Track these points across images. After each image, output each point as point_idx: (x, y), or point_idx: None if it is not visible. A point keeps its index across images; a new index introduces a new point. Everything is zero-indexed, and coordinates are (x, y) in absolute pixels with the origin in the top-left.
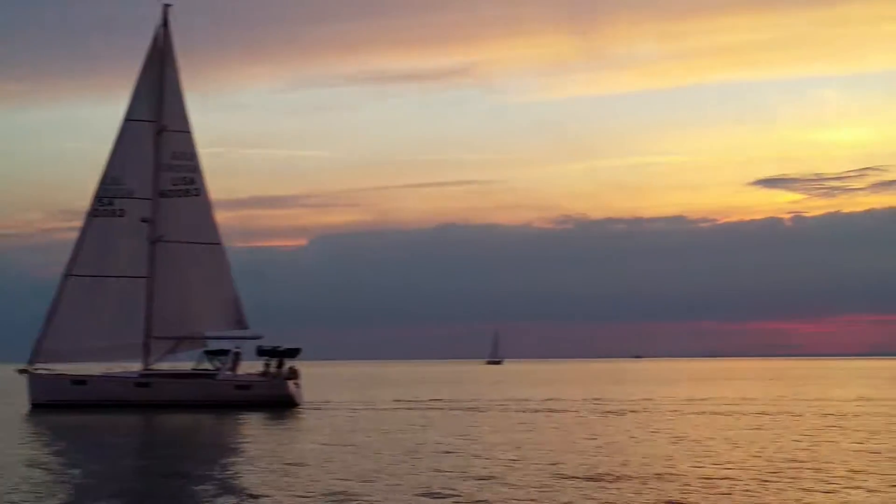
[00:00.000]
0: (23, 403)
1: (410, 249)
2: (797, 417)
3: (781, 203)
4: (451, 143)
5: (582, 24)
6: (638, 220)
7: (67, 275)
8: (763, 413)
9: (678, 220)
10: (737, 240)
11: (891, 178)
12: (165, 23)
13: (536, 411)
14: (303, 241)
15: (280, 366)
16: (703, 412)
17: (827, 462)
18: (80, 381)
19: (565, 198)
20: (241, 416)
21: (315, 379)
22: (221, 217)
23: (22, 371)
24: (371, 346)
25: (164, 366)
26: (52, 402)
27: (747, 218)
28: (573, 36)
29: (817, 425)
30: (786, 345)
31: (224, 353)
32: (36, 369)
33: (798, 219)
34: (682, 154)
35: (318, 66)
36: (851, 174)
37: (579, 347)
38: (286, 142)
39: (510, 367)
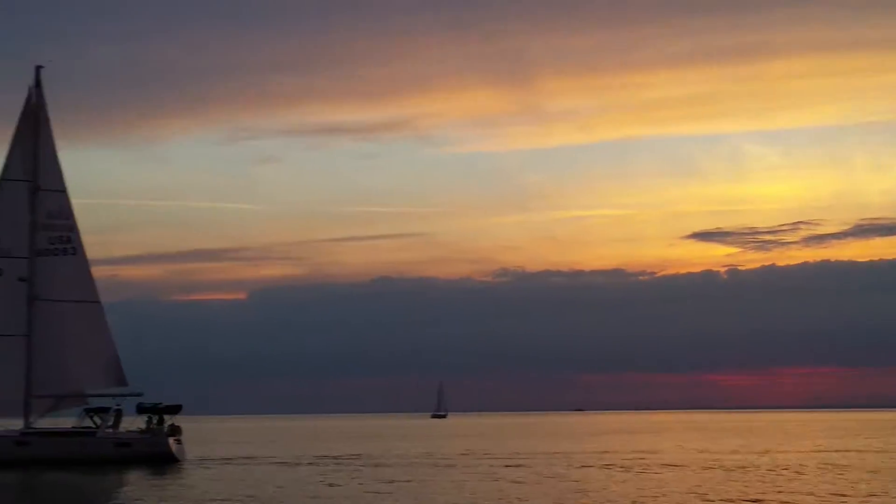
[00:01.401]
0: None
1: (347, 303)
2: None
3: (717, 256)
4: (387, 196)
5: (518, 79)
6: (577, 273)
7: None
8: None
9: (617, 272)
10: (674, 292)
11: (822, 232)
12: (38, 83)
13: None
14: (242, 295)
15: (161, 422)
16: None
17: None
18: None
19: (502, 251)
20: (120, 474)
21: (229, 433)
22: (156, 270)
23: None
24: (313, 399)
25: (47, 423)
26: None
27: (684, 271)
28: (509, 89)
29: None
30: (723, 397)
31: (105, 410)
32: None
33: (733, 272)
34: (617, 207)
35: (253, 118)
36: (784, 228)
37: (523, 400)
38: (221, 194)
39: (453, 420)
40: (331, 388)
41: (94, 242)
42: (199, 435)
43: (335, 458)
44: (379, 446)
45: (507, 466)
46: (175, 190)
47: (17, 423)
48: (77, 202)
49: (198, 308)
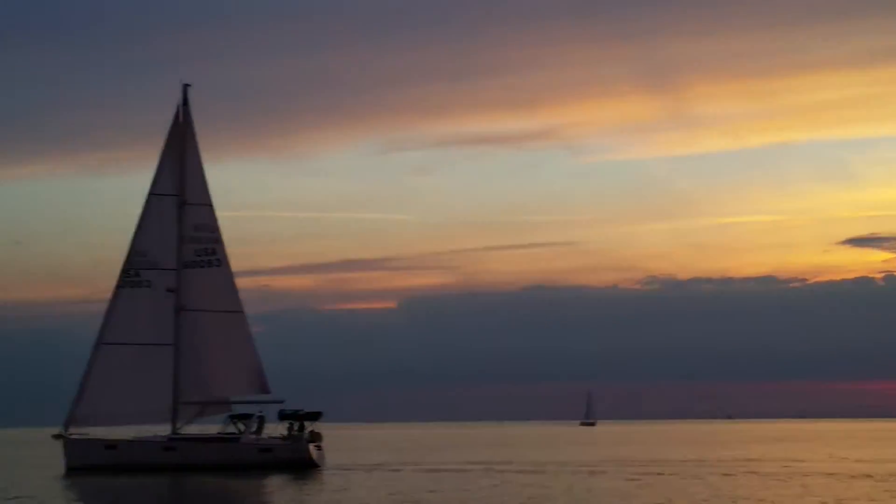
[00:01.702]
0: (59, 467)
1: (497, 311)
2: None
3: (873, 262)
4: (537, 205)
5: (665, 84)
6: (727, 281)
7: (99, 343)
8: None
9: (768, 279)
10: (828, 299)
11: None
12: (185, 101)
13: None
14: (392, 304)
15: (302, 429)
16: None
17: None
18: (111, 445)
19: (651, 258)
20: (263, 479)
21: (377, 440)
22: (309, 280)
23: (57, 436)
24: (461, 406)
25: (193, 429)
26: (86, 466)
27: (838, 277)
28: (656, 96)
29: None
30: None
31: (248, 416)
32: (70, 434)
33: (890, 278)
34: (768, 213)
35: (404, 130)
36: None
37: (672, 408)
38: (374, 205)
39: (603, 428)
40: (479, 396)
41: (248, 254)
42: (348, 442)
43: (484, 463)
44: (536, 454)
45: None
46: (328, 201)
47: (164, 430)
48: (232, 214)
49: (349, 317)
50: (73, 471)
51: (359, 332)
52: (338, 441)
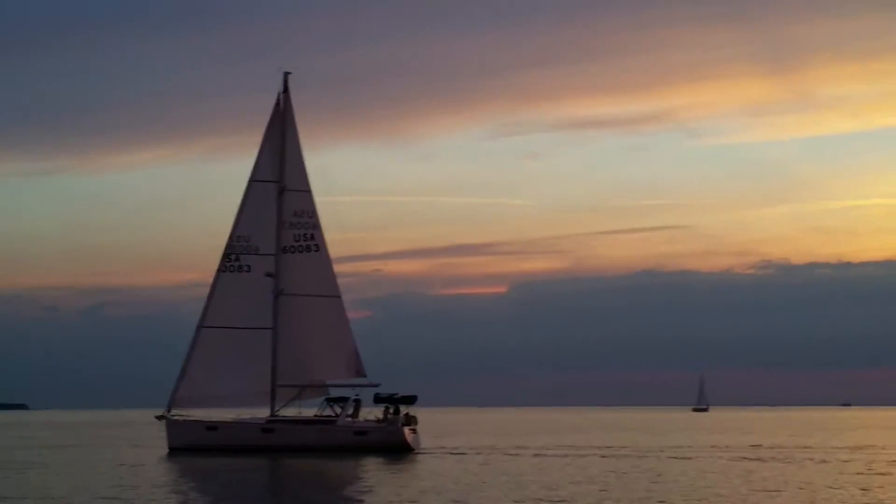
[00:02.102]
0: (162, 447)
1: (608, 296)
2: None
3: None
4: (651, 189)
5: (783, 66)
6: (845, 265)
7: (200, 327)
8: None
9: (889, 264)
10: None
11: None
12: (286, 88)
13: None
14: (502, 289)
15: (397, 412)
16: None
17: None
18: (212, 426)
19: (766, 242)
20: (357, 461)
21: (483, 424)
22: (420, 264)
23: (160, 417)
24: (571, 391)
25: (290, 412)
26: (188, 446)
27: None
28: (774, 78)
29: None
30: None
31: (344, 399)
32: (172, 415)
33: None
34: (891, 196)
35: (518, 114)
36: None
37: (785, 394)
38: (486, 190)
39: (714, 414)
40: (589, 381)
41: (360, 238)
42: (457, 426)
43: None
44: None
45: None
46: (440, 186)
47: (263, 412)
48: (345, 199)
49: (459, 302)
50: (174, 451)
51: (469, 316)
52: (447, 425)
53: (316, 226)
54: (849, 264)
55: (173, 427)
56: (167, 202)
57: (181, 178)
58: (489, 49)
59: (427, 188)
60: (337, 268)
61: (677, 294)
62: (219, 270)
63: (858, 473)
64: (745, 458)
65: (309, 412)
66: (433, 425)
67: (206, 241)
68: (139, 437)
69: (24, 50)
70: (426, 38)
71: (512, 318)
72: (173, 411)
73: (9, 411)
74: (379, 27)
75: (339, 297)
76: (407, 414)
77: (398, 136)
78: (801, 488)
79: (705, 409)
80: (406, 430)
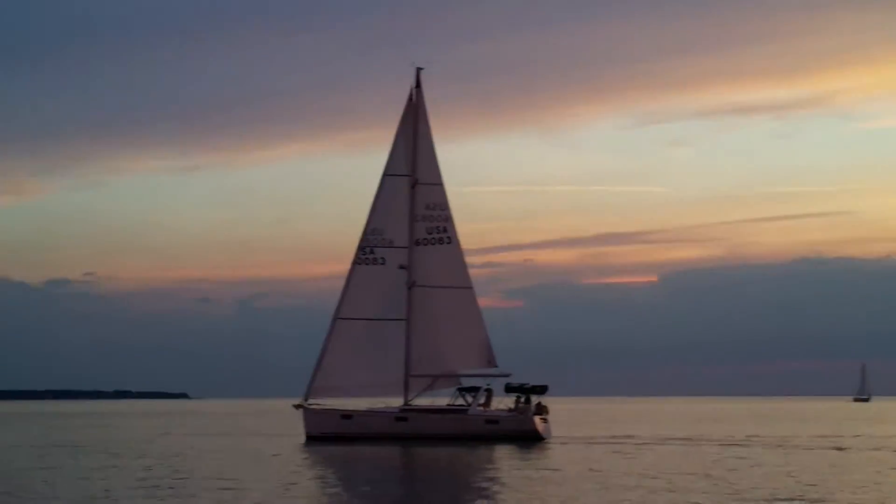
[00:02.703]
0: (299, 435)
1: (763, 285)
2: None
3: None
4: (805, 175)
5: None
6: None
7: (336, 318)
8: None
9: None
10: None
11: None
12: (418, 83)
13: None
14: (653, 278)
15: (528, 402)
16: None
17: None
18: (347, 415)
19: None
20: (490, 449)
21: (639, 414)
22: (570, 254)
23: (297, 406)
24: (727, 382)
25: (423, 401)
26: (324, 435)
27: None
28: None
29: None
30: None
31: (476, 389)
32: (309, 404)
33: None
34: None
35: (662, 102)
36: None
37: None
38: (632, 178)
39: (876, 404)
40: (746, 371)
41: (508, 228)
42: (596, 416)
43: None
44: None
45: None
46: (587, 175)
47: (396, 401)
48: (491, 189)
49: (609, 291)
50: (311, 439)
51: (619, 305)
52: (575, 414)
53: (448, 218)
54: None
55: (310, 416)
56: (310, 195)
57: (322, 171)
58: (634, 36)
59: (573, 177)
60: (485, 257)
61: (836, 281)
62: (354, 263)
63: None
64: None
65: (441, 401)
66: (569, 414)
67: (349, 232)
68: (286, 427)
69: (171, 50)
70: (572, 27)
71: (664, 306)
72: (310, 401)
73: (171, 400)
74: (520, 17)
75: (471, 287)
76: (538, 403)
77: (540, 127)
78: None
79: (867, 400)
80: (537, 419)
